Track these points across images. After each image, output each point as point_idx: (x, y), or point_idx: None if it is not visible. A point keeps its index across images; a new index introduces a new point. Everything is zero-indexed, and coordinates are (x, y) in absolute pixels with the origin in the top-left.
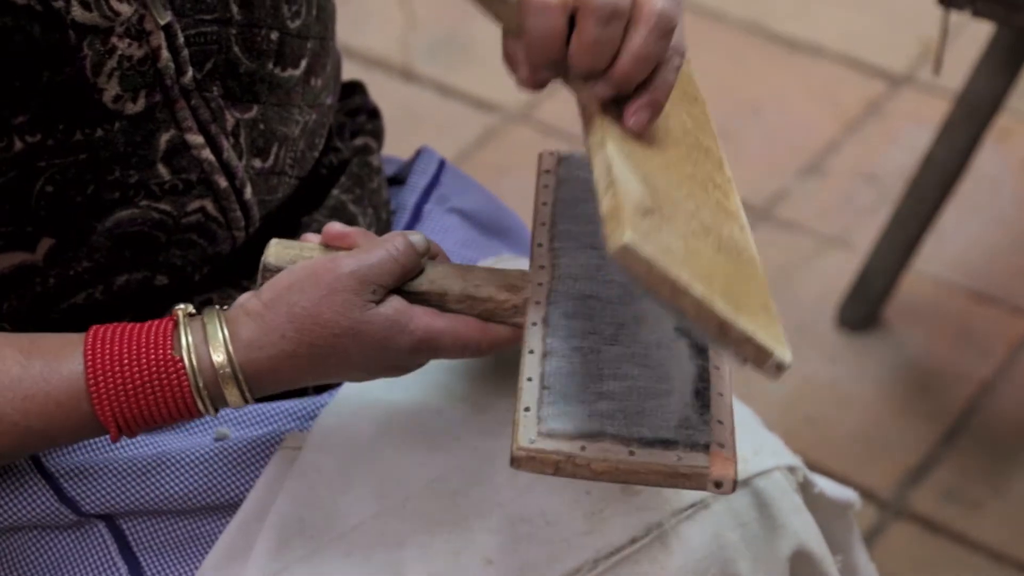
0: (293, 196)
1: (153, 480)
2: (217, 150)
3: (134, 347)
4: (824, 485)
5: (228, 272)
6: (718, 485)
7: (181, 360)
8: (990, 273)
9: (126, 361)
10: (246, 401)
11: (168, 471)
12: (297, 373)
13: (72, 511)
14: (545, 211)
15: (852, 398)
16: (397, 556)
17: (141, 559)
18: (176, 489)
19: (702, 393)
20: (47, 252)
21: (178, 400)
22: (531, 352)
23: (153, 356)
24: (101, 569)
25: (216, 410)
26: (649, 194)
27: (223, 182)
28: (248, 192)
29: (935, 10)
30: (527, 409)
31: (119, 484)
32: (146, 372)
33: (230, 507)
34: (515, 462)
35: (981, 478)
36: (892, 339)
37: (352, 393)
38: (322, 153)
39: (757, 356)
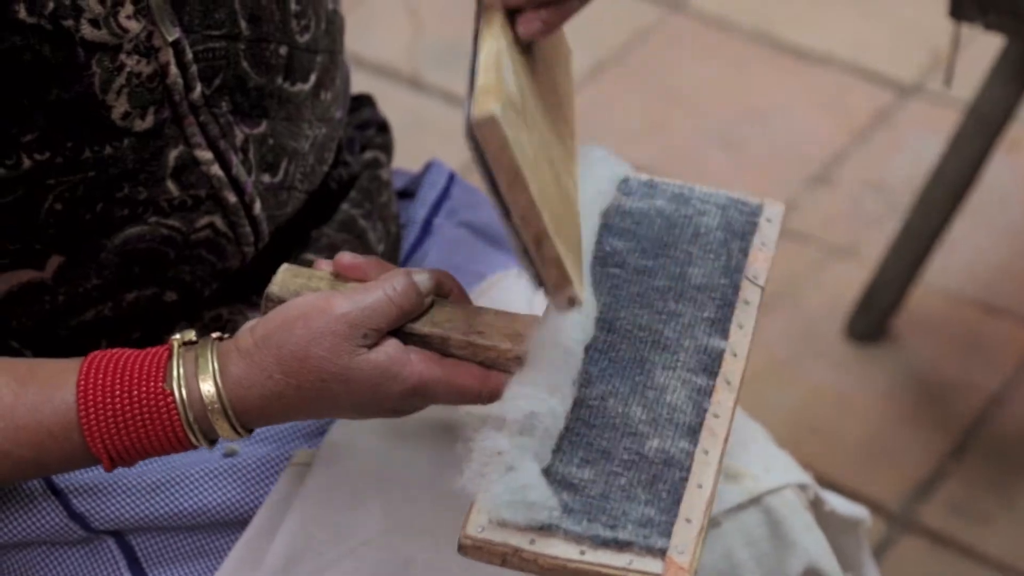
0: (303, 210)
1: (162, 497)
2: (226, 166)
3: (126, 379)
4: (835, 502)
5: (238, 287)
6: None
7: (172, 394)
8: (1000, 285)
9: (117, 393)
10: (238, 434)
11: (177, 488)
12: (287, 412)
13: (81, 527)
14: None
15: (860, 409)
16: (406, 573)
17: (149, 573)
18: (186, 506)
19: (676, 486)
20: (56, 270)
21: (169, 433)
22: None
23: (144, 389)
24: None
25: (211, 442)
26: (520, 99)
27: (232, 198)
28: (257, 207)
29: (944, 20)
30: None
31: (128, 501)
32: (137, 405)
33: (239, 523)
34: (462, 549)
35: (990, 491)
36: (901, 350)
37: None
38: (332, 167)
39: (558, 281)
